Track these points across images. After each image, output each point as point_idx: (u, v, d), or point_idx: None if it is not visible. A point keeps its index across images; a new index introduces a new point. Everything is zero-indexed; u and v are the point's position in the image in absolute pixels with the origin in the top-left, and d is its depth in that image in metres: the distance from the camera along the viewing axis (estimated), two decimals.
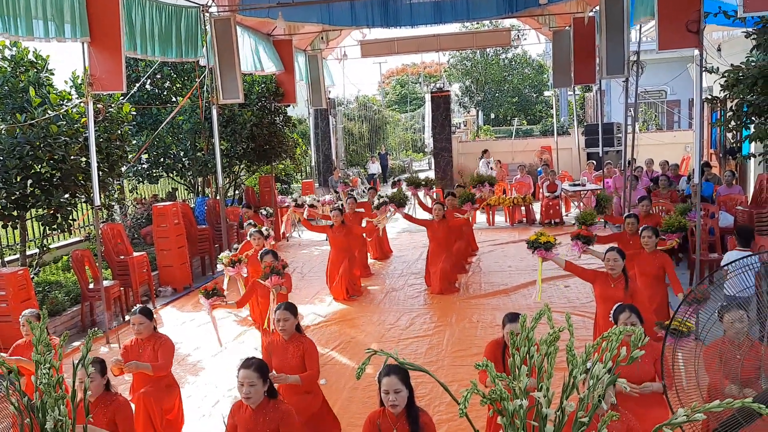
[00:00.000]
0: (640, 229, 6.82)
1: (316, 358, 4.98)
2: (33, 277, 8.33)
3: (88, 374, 2.90)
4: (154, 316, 5.34)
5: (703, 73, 8.31)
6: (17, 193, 8.06)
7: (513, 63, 35.28)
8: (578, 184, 15.32)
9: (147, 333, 5.15)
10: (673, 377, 3.40)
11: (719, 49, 13.08)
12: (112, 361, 4.92)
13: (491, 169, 18.26)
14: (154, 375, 5.03)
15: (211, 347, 7.57)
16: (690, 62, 18.98)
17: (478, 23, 27.84)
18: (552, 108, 24.96)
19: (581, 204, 15.25)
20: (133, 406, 5.04)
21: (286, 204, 13.35)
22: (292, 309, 5.04)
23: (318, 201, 10.47)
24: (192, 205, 13.27)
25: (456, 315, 8.24)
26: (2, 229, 8.89)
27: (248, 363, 3.86)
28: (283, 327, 4.93)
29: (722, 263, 7.87)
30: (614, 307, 4.60)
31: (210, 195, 13.79)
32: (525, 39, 23.36)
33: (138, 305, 5.35)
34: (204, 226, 12.08)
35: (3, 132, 7.94)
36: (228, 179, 14.27)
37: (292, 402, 4.80)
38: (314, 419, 5.01)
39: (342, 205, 10.30)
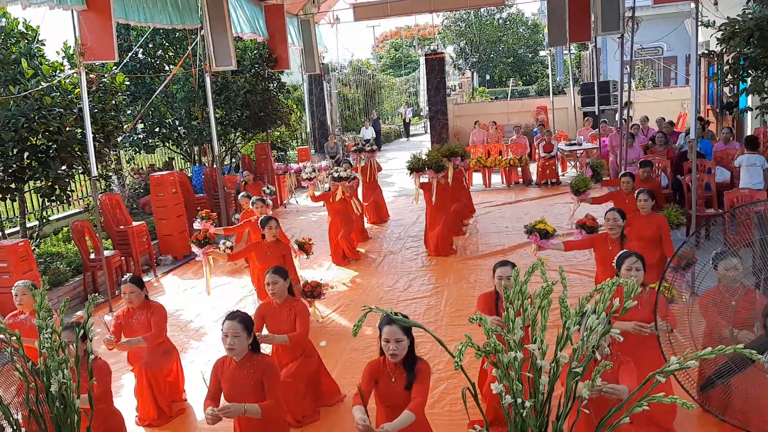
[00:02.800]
0: (636, 192, 6.78)
1: (306, 320, 4.97)
2: (34, 249, 8.37)
3: (90, 339, 2.94)
4: (145, 284, 5.29)
5: (700, 28, 8.22)
6: (14, 165, 8.06)
7: (507, 23, 34.90)
8: (574, 144, 15.31)
9: (138, 302, 5.11)
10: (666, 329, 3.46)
11: (716, 3, 12.92)
12: (105, 339, 4.86)
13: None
14: (149, 345, 5.03)
15: (212, 313, 7.65)
16: (686, 17, 18.76)
17: None
18: (548, 68, 24.75)
19: (577, 164, 15.25)
20: (128, 375, 5.13)
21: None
22: (281, 272, 5.00)
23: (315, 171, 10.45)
24: (189, 174, 13.27)
25: (454, 276, 8.31)
26: (1, 201, 8.91)
27: (233, 315, 3.87)
28: (273, 290, 4.91)
29: (735, 164, 8.94)
30: (619, 254, 4.47)
31: (207, 163, 13.77)
32: None
33: (128, 274, 5.30)
34: (202, 195, 12.10)
35: None
36: (224, 147, 14.23)
37: (290, 367, 4.85)
38: (313, 382, 5.08)
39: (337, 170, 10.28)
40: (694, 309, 3.85)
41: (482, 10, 32.56)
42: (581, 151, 14.95)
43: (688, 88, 18.11)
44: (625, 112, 11.94)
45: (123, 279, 5.18)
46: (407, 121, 31.41)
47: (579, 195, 8.53)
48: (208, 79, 10.84)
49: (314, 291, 6.69)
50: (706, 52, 9.62)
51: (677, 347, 3.38)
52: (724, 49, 8.39)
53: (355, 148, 12.15)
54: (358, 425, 3.23)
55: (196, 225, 8.39)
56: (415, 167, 9.27)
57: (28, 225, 9.27)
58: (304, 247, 7.51)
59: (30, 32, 8.69)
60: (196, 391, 5.57)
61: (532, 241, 6.33)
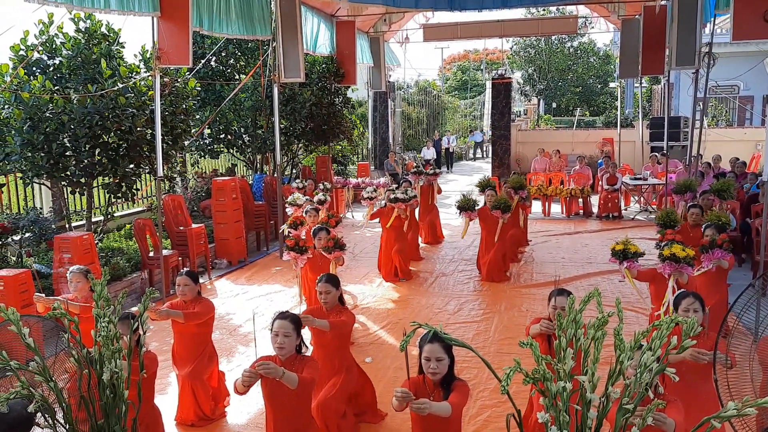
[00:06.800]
0: (689, 205, 6.46)
1: (351, 320, 5.02)
2: (97, 243, 8.65)
3: (144, 332, 3.01)
4: (200, 281, 5.39)
5: None
6: (86, 161, 8.38)
7: (578, 52, 34.42)
8: (639, 178, 14.94)
9: (191, 296, 5.21)
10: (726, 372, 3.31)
11: None
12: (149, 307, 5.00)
13: None
14: (186, 321, 5.05)
15: (262, 319, 7.72)
16: (766, 56, 18.17)
17: (544, 10, 27.28)
18: (617, 99, 24.31)
19: (641, 199, 14.87)
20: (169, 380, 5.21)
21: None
22: (333, 281, 5.04)
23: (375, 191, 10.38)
24: (250, 182, 13.53)
25: (505, 303, 8.18)
26: (71, 195, 9.27)
27: (284, 315, 3.92)
28: (325, 299, 4.96)
29: None
30: (676, 293, 4.41)
31: (268, 172, 14.02)
32: (592, 27, 22.74)
33: (185, 268, 5.43)
34: (261, 202, 12.31)
35: (75, 101, 8.24)
36: (286, 157, 14.47)
37: (330, 385, 4.81)
38: (354, 398, 5.05)
39: (395, 188, 10.30)
40: (755, 358, 3.68)
41: (553, 37, 32.22)
42: (646, 186, 14.58)
43: (763, 129, 17.48)
44: (695, 148, 11.59)
45: (179, 272, 5.30)
46: (450, 150, 26.83)
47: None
48: (275, 90, 11.07)
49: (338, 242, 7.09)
50: None
51: (735, 392, 3.23)
52: None
53: (415, 169, 12.15)
54: (396, 393, 3.22)
55: (287, 257, 7.60)
56: (465, 207, 9.28)
57: (94, 219, 9.60)
58: (330, 221, 7.38)
59: (112, 34, 9.06)
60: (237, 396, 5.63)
61: (627, 266, 5.87)
